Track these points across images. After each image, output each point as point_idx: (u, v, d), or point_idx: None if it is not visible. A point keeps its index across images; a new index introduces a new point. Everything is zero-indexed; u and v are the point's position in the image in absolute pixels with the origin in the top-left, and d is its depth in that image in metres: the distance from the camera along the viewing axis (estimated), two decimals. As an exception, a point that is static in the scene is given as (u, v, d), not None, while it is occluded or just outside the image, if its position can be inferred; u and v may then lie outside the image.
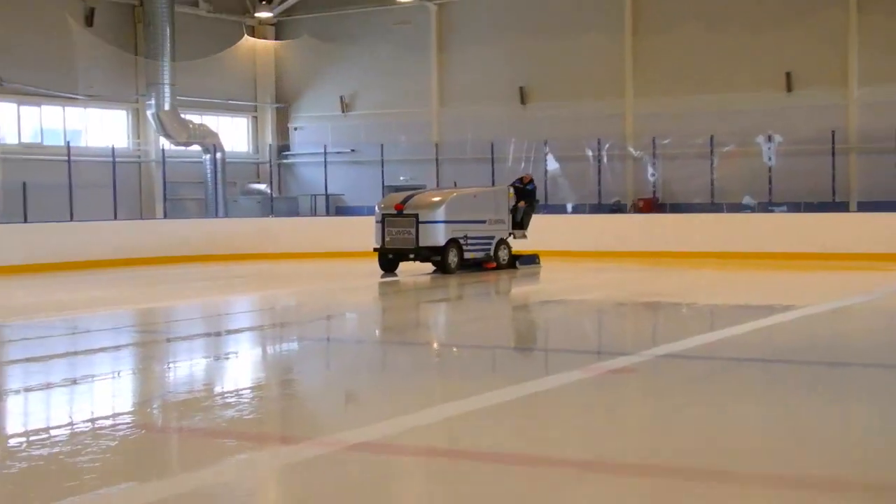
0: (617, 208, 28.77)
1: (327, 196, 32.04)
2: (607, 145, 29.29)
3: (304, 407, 9.04)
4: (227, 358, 11.79)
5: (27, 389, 9.75)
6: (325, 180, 32.08)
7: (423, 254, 19.82)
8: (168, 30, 29.58)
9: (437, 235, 19.55)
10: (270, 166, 33.62)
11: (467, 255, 20.10)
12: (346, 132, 32.96)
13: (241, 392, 9.57)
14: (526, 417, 7.70)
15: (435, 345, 12.84)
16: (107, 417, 8.16)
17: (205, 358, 11.70)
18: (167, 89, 29.69)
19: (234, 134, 33.06)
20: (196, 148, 30.60)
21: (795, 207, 26.52)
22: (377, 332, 14.54)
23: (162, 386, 9.99)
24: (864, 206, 26.03)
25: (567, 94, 29.94)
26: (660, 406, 8.18)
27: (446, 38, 31.88)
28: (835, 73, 27.06)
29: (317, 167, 32.65)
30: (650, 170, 28.98)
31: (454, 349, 12.41)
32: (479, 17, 31.37)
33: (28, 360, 11.63)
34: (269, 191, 33.22)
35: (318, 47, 33.54)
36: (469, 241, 20.08)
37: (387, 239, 20.03)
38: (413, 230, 19.54)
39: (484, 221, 20.60)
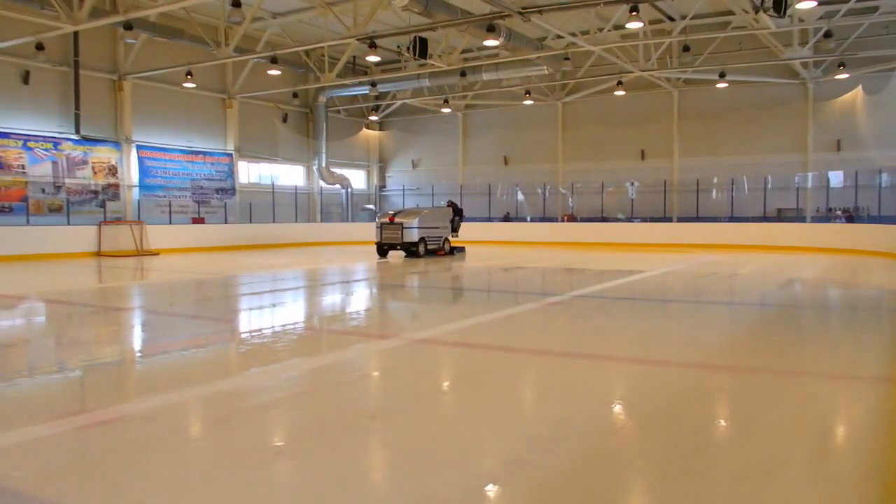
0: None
1: (404, 211, 32.06)
2: (549, 187, 29.11)
3: (389, 319, 9.08)
4: (348, 293, 11.83)
5: (250, 308, 9.82)
6: (403, 203, 31.99)
7: (405, 246, 18.46)
8: (324, 125, 29.53)
9: (414, 235, 18.36)
10: (376, 196, 33.57)
11: (429, 247, 18.99)
12: (415, 179, 32.84)
13: (358, 311, 9.60)
14: (503, 327, 7.68)
15: (454, 290, 12.82)
16: (292, 323, 8.20)
17: (337, 293, 11.74)
18: (324, 156, 29.63)
19: (357, 179, 32.95)
20: (338, 186, 30.54)
21: (644, 220, 26.40)
22: (423, 282, 14.42)
23: (317, 307, 10.04)
24: (680, 219, 25.90)
25: (528, 160, 29.77)
26: (574, 321, 8.15)
27: (467, 130, 31.70)
28: (666, 150, 26.77)
29: (399, 197, 32.58)
30: (570, 200, 28.80)
31: (464, 292, 12.40)
32: (483, 120, 31.16)
33: (250, 294, 11.72)
34: (375, 209, 33.21)
35: (401, 135, 33.43)
36: (430, 239, 18.97)
37: (383, 237, 18.70)
38: (400, 232, 18.32)
39: (438, 227, 19.38)
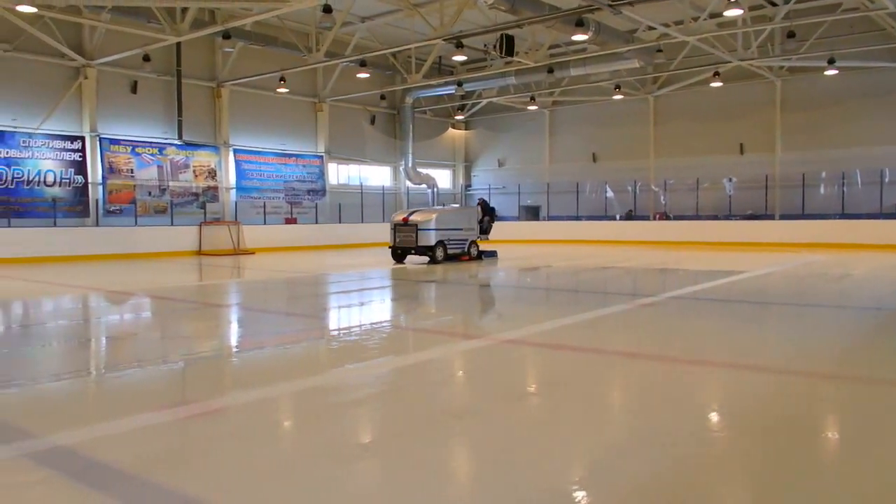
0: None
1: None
2: (639, 184, 28.39)
3: (476, 319, 9.09)
4: (434, 292, 11.90)
5: (339, 306, 10.08)
6: (490, 202, 31.97)
7: (420, 250, 16.31)
8: (410, 126, 29.99)
9: (430, 238, 16.22)
10: (461, 196, 33.74)
11: (450, 252, 16.71)
12: (500, 177, 32.83)
13: (444, 310, 9.68)
14: (593, 329, 7.55)
15: (541, 290, 12.67)
16: (380, 321, 8.34)
17: (423, 292, 11.82)
18: (410, 156, 30.06)
19: (443, 178, 33.21)
20: (424, 186, 30.87)
21: (743, 218, 25.32)
22: (509, 282, 14.22)
23: (403, 306, 10.17)
24: (784, 217, 24.70)
25: (618, 156, 29.18)
26: (668, 324, 7.92)
27: (554, 128, 31.41)
28: (767, 144, 25.57)
29: (484, 195, 32.40)
30: (663, 197, 27.97)
31: (552, 293, 12.24)
32: (571, 117, 30.78)
33: (339, 292, 12.00)
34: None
35: (486, 133, 33.51)
36: (450, 242, 16.72)
37: (397, 240, 16.63)
38: (414, 234, 16.23)
39: (461, 229, 17.08)
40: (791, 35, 19.76)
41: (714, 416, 4.22)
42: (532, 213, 31.35)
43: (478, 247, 17.78)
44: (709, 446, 3.64)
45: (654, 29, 19.49)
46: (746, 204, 25.74)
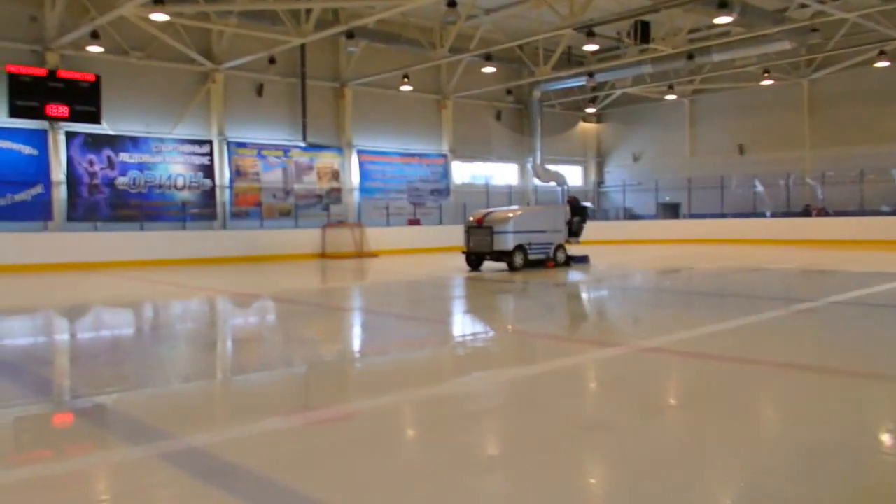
0: (806, 213, 26.11)
1: (625, 208, 31.34)
2: (793, 177, 26.68)
3: (611, 325, 8.82)
4: (565, 295, 11.67)
5: (463, 311, 10.10)
6: (624, 200, 31.28)
7: (496, 255, 15.04)
8: (539, 120, 29.71)
9: (507, 242, 14.82)
10: (594, 193, 33.08)
11: (531, 257, 15.26)
12: (635, 173, 31.89)
13: (577, 315, 9.48)
14: (742, 337, 7.10)
15: (681, 293, 12.11)
16: (507, 327, 8.30)
17: (553, 296, 11.61)
18: (538, 153, 29.81)
19: (573, 175, 32.66)
20: (553, 183, 30.44)
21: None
22: (645, 284, 13.66)
23: (531, 310, 10.03)
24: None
25: (768, 147, 27.59)
26: (830, 332, 7.35)
27: (694, 118, 30.17)
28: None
29: (618, 193, 31.83)
30: (820, 191, 26.13)
31: (694, 296, 11.66)
32: (713, 106, 29.45)
33: (462, 296, 12.02)
34: (592, 206, 32.70)
35: (620, 127, 32.73)
36: (532, 246, 15.26)
37: (471, 244, 15.42)
38: (489, 238, 14.91)
39: (545, 231, 15.59)
40: (978, 2, 17.87)
41: (888, 437, 3.83)
42: (671, 211, 30.22)
43: (566, 251, 16.34)
44: (885, 470, 3.30)
45: (807, 6, 18.25)
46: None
